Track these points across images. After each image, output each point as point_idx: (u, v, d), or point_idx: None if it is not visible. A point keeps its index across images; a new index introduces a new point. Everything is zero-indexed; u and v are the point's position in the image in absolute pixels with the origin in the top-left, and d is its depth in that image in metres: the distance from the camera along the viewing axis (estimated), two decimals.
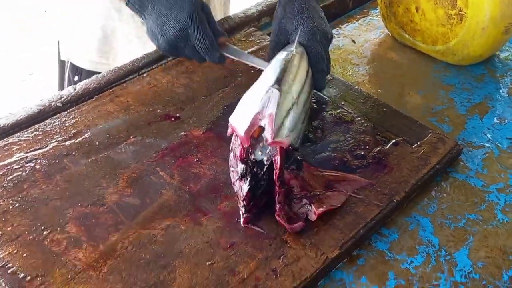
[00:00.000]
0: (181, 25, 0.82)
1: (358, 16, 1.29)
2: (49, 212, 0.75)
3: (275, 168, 0.72)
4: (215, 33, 0.85)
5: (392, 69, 1.11)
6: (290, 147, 0.73)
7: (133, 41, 1.13)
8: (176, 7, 0.82)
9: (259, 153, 0.73)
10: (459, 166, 0.87)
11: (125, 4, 0.87)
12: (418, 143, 0.86)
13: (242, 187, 0.72)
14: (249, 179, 0.72)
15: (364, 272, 0.71)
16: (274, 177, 0.72)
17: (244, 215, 0.72)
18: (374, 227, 0.74)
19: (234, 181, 0.75)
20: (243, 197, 0.72)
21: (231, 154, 0.76)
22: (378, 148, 0.85)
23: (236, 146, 0.74)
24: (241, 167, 0.73)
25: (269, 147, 0.73)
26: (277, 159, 0.71)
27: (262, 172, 0.73)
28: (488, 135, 0.93)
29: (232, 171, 0.75)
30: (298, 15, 0.85)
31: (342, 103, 0.95)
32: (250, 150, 0.73)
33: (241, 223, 0.73)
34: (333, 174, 0.80)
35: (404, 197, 0.78)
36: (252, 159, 0.73)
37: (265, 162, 0.73)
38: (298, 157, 0.76)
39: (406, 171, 0.81)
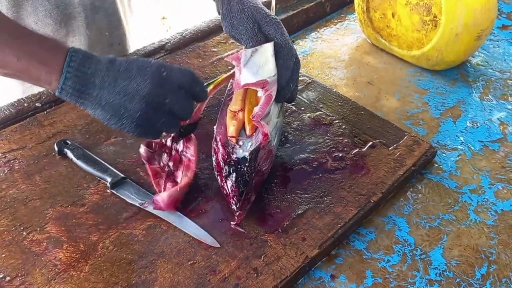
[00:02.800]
0: (147, 91, 0.67)
1: (335, 21, 1.31)
2: (29, 212, 0.74)
3: (263, 135, 0.74)
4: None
5: (369, 73, 1.13)
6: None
7: None
8: (135, 77, 0.68)
9: (240, 151, 0.75)
10: (434, 168, 0.89)
11: (56, 93, 0.69)
12: (394, 145, 0.88)
13: (229, 186, 0.73)
14: (234, 175, 0.73)
15: (342, 271, 0.72)
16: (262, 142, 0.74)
17: (237, 213, 0.73)
18: (352, 227, 0.76)
19: (222, 184, 0.76)
20: (232, 194, 0.73)
21: (214, 159, 0.77)
22: (355, 150, 0.87)
23: (218, 150, 0.76)
24: (225, 168, 0.74)
25: (249, 143, 0.75)
26: (261, 135, 0.75)
27: (245, 167, 0.74)
28: (461, 138, 0.96)
29: (218, 175, 0.76)
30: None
31: (321, 105, 0.96)
32: (231, 151, 0.75)
33: (235, 222, 0.73)
34: None
35: (381, 198, 0.80)
36: (234, 158, 0.74)
37: (247, 157, 0.74)
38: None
39: (382, 172, 0.83)
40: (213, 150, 0.77)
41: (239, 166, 0.74)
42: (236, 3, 0.82)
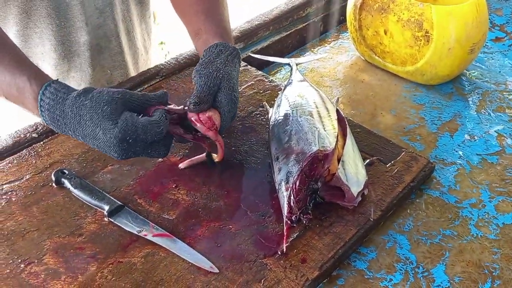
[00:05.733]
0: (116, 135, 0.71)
1: (329, 40, 1.32)
2: (26, 244, 0.74)
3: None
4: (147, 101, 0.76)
5: (364, 90, 1.13)
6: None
7: None
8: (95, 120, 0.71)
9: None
10: (433, 183, 0.88)
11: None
12: (392, 162, 0.88)
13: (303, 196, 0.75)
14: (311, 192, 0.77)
15: None
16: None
17: (293, 217, 0.74)
18: (352, 246, 0.75)
19: (291, 186, 0.75)
20: (301, 205, 0.75)
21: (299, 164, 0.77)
22: None
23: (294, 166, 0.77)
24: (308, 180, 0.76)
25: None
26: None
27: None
28: (459, 152, 0.95)
29: (297, 175, 0.76)
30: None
31: None
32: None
33: (284, 243, 0.73)
34: None
35: (380, 216, 0.79)
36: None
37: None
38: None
39: (381, 190, 0.82)
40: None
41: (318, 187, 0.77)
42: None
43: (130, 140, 0.71)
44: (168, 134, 0.76)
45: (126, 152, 0.73)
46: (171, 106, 0.78)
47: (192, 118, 0.78)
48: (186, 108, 0.79)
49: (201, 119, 0.78)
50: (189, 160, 0.86)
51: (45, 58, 1.00)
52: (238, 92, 0.83)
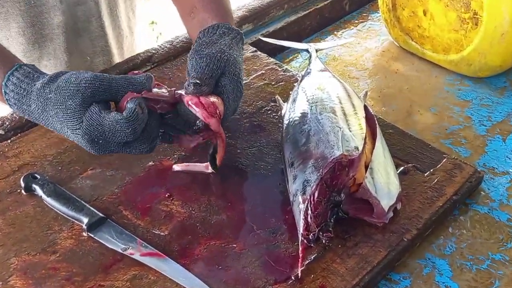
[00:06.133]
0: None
1: (356, 21, 1.32)
2: None
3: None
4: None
5: (398, 83, 1.13)
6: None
7: None
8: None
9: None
10: (480, 197, 0.88)
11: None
12: (431, 170, 0.87)
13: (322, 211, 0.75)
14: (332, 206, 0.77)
15: None
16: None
17: (310, 235, 0.73)
18: (381, 272, 0.75)
19: (308, 198, 0.75)
20: (321, 222, 0.74)
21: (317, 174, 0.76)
22: None
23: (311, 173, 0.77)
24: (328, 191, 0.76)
25: None
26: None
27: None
28: None
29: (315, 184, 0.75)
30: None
31: None
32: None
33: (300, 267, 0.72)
34: None
35: (416, 235, 0.78)
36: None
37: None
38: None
39: (417, 204, 0.82)
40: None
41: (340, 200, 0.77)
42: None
43: (100, 141, 0.72)
44: (149, 127, 0.74)
45: (103, 151, 0.74)
46: (158, 90, 0.76)
47: (190, 102, 0.77)
48: (178, 92, 0.78)
49: (203, 102, 0.76)
50: (186, 164, 0.86)
51: (11, 44, 1.01)
52: (243, 81, 0.83)
